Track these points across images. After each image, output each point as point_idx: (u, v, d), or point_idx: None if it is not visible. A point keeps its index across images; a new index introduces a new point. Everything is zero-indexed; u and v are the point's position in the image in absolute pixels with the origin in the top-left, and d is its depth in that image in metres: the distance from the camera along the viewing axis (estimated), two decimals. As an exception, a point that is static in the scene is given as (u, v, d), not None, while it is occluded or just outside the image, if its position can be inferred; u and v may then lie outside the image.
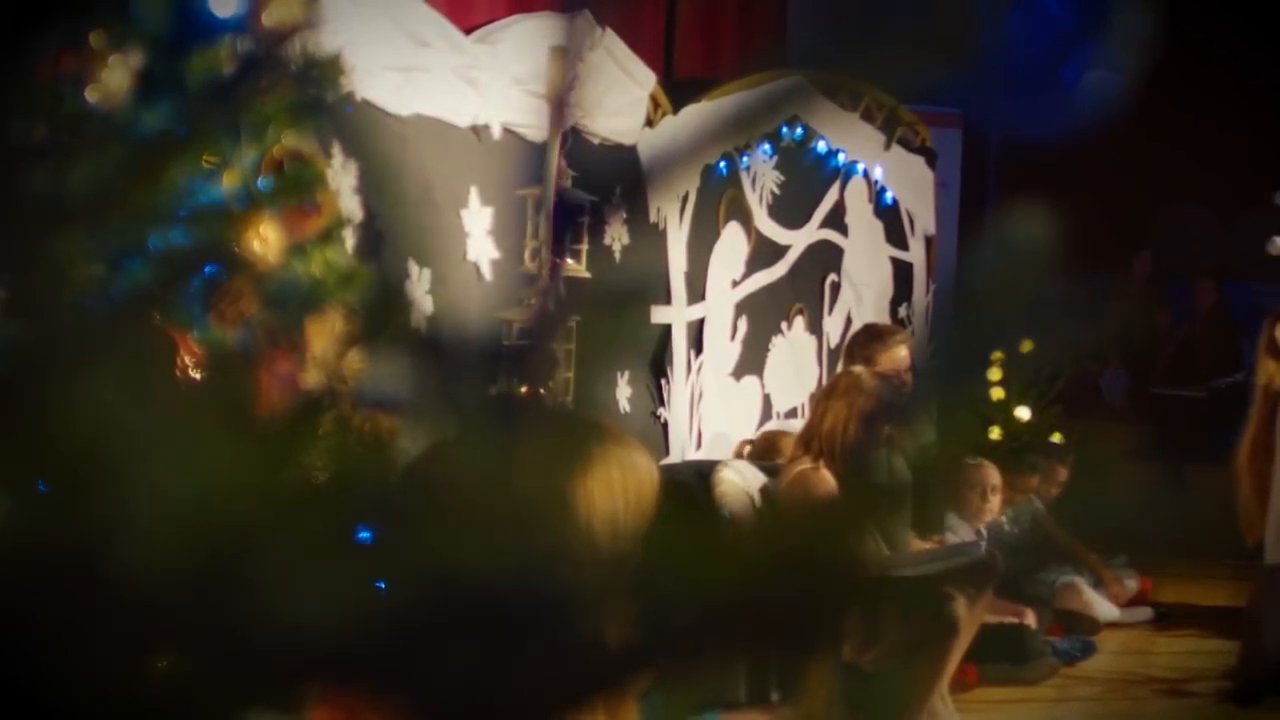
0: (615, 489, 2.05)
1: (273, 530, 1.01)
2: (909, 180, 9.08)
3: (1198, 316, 11.62)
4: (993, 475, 6.71)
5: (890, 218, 8.92)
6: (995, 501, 6.75)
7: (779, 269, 7.77)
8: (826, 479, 5.24)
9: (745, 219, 7.44)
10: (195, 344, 2.13)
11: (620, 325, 1.06)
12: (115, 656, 0.98)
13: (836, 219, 8.31)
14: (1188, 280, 11.83)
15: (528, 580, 0.89)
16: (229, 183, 2.33)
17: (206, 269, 2.25)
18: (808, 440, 5.44)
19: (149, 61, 2.19)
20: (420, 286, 4.98)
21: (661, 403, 6.71)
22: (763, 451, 6.56)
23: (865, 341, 6.24)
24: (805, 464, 5.34)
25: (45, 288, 1.25)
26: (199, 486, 1.01)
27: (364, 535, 1.00)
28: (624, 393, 6.42)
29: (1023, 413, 8.29)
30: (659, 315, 6.71)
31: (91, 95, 2.10)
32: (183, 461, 1.02)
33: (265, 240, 2.35)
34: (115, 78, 2.12)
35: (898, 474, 5.26)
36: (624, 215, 6.41)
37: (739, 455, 6.51)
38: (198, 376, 2.10)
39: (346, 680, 0.95)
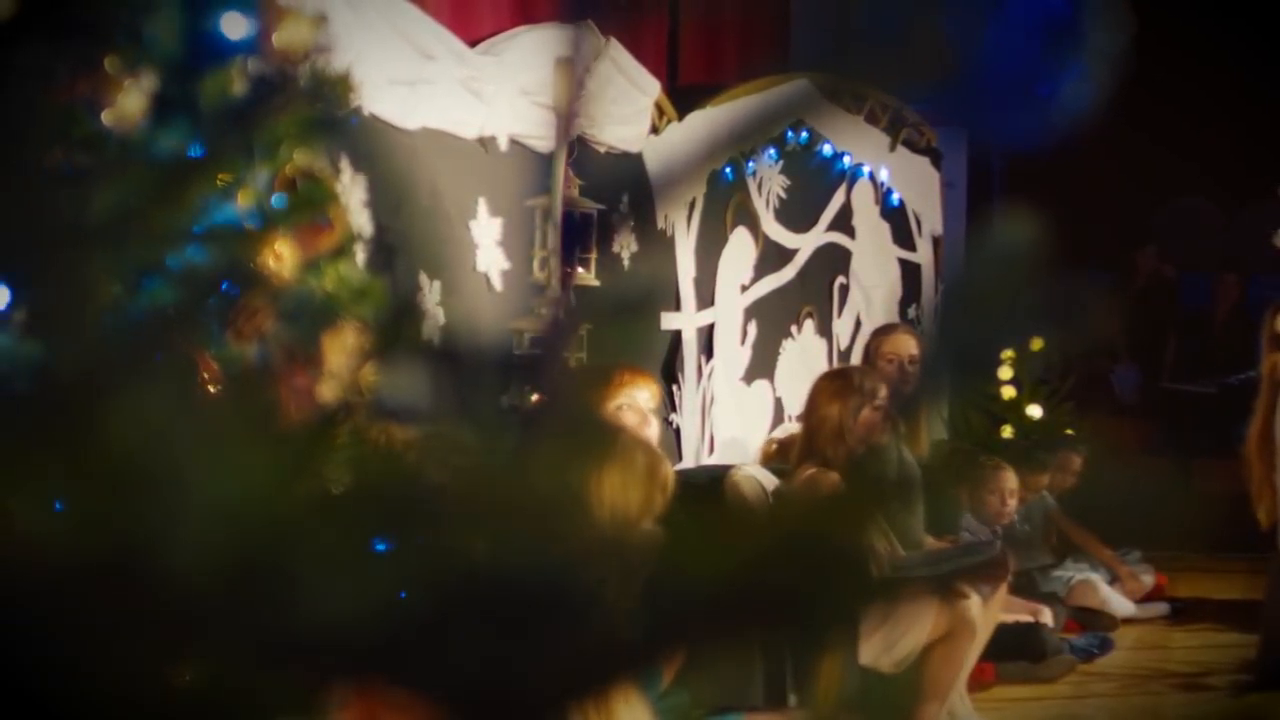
0: (630, 488, 2.08)
1: (298, 537, 1.04)
2: (915, 181, 9.10)
3: (1219, 311, 11.60)
4: (1011, 479, 6.83)
5: (897, 219, 8.94)
6: (1013, 504, 6.87)
7: (787, 273, 7.79)
8: (835, 482, 5.26)
9: (752, 224, 7.47)
10: (213, 361, 2.16)
11: (630, 332, 1.09)
12: (147, 663, 1.01)
13: (843, 221, 8.34)
14: (1211, 275, 11.82)
15: (548, 573, 0.92)
16: (243, 201, 2.36)
17: (223, 287, 2.28)
18: (810, 444, 5.45)
19: (163, 84, 2.22)
20: (431, 298, 5.02)
21: (673, 408, 6.73)
22: (789, 451, 6.54)
23: (870, 337, 6.42)
24: (812, 468, 5.36)
25: (71, 308, 1.28)
26: (225, 499, 1.04)
27: (381, 547, 1.02)
28: (636, 399, 6.44)
29: (1034, 411, 8.31)
30: (669, 321, 6.74)
31: (107, 119, 2.14)
32: (208, 474, 1.05)
33: (280, 257, 2.38)
34: (130, 101, 2.15)
35: (907, 469, 5.26)
36: (632, 223, 6.44)
37: (767, 455, 6.49)
38: (217, 392, 2.13)
39: (374, 679, 0.98)
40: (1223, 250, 12.01)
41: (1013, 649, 6.37)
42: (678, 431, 6.73)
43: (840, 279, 8.34)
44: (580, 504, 0.98)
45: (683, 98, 6.95)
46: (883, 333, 6.51)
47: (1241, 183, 11.47)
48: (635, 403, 4.84)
